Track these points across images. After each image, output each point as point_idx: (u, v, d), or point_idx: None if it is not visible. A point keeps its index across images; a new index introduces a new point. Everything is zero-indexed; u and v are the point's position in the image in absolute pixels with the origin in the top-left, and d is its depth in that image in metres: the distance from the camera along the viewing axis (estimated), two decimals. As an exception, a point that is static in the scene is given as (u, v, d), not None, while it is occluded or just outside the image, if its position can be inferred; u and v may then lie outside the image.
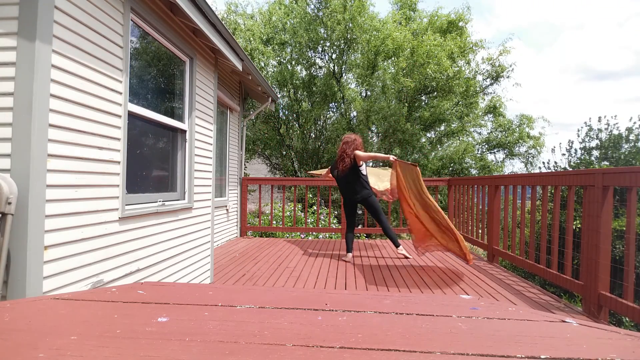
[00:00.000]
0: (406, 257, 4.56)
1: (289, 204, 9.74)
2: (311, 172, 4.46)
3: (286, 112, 12.45)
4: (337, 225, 8.20)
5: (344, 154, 4.26)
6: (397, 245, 4.54)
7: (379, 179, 4.93)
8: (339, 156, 4.31)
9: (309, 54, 12.21)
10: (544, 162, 7.82)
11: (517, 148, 13.37)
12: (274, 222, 7.33)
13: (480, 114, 13.26)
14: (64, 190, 1.80)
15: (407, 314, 0.72)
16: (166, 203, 2.85)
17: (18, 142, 1.59)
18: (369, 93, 11.98)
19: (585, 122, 7.42)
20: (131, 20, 2.37)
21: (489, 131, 13.98)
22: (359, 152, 4.19)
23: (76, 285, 1.89)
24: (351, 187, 4.29)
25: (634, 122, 6.64)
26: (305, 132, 12.58)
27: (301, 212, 8.15)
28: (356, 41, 11.49)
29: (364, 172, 4.31)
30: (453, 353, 0.54)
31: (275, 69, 12.31)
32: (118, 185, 2.22)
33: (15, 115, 1.59)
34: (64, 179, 1.80)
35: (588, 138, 7.18)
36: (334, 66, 12.28)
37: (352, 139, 4.29)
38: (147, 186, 2.73)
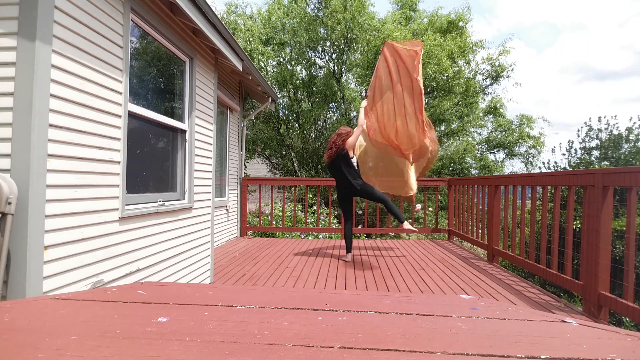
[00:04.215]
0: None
1: (289, 204, 9.73)
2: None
3: (286, 112, 12.44)
4: (337, 225, 8.20)
5: (333, 143, 4.35)
6: (402, 221, 4.44)
7: (372, 158, 4.71)
8: (328, 146, 4.40)
9: (309, 54, 12.20)
10: (544, 162, 7.81)
11: (517, 148, 13.38)
12: (274, 222, 7.33)
13: (480, 114, 13.25)
14: (64, 190, 1.80)
15: (407, 314, 0.72)
16: (166, 203, 2.85)
17: (18, 142, 1.59)
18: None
19: (585, 122, 7.42)
20: (131, 20, 2.37)
21: (489, 131, 13.99)
22: (349, 140, 4.24)
23: (76, 285, 1.89)
24: (344, 177, 4.35)
25: (634, 122, 6.64)
26: (305, 132, 12.57)
27: (301, 212, 8.14)
28: (356, 41, 11.48)
29: (354, 162, 4.37)
30: (453, 353, 0.54)
31: (275, 69, 12.30)
32: (118, 185, 2.22)
33: (15, 115, 1.59)
34: (64, 179, 1.80)
35: (588, 138, 7.18)
36: (334, 66, 12.27)
37: (346, 131, 4.36)
38: (147, 186, 2.72)
